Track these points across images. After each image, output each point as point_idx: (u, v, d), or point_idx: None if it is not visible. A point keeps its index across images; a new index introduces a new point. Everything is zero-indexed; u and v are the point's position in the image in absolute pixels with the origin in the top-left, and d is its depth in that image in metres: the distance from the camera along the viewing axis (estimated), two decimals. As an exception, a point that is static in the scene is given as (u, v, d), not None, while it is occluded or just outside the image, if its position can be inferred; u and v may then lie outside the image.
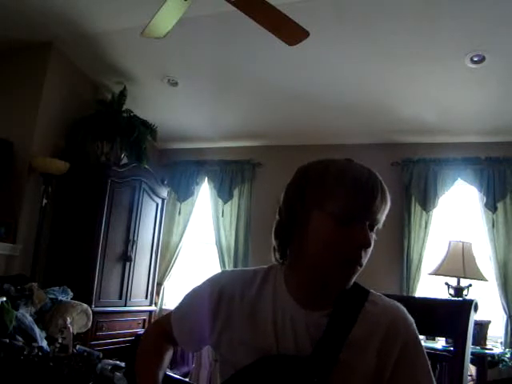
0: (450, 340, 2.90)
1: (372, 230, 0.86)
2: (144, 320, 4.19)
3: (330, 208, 0.83)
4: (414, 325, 0.89)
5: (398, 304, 0.91)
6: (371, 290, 0.93)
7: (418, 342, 0.88)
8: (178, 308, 1.03)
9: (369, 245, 0.83)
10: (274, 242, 0.93)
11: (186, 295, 1.03)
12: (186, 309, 1.02)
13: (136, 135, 3.89)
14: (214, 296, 0.94)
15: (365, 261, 0.86)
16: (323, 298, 0.89)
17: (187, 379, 3.41)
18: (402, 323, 0.88)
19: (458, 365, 1.01)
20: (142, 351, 1.01)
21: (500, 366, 3.22)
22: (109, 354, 3.13)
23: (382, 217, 0.87)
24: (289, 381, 0.83)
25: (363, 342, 0.85)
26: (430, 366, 0.87)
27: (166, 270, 4.74)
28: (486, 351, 3.11)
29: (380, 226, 0.88)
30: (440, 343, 3.20)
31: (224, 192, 4.65)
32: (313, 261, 0.86)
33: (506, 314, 3.55)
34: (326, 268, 0.84)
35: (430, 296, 3.08)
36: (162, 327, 1.05)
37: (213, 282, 0.99)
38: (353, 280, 0.87)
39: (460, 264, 3.28)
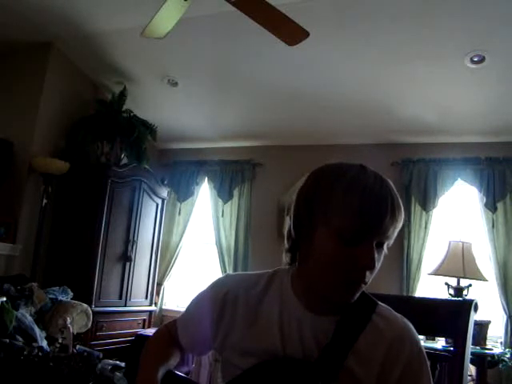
0: (450, 340, 2.90)
1: (381, 246, 0.83)
2: (144, 320, 4.19)
3: (336, 226, 0.80)
4: (420, 343, 0.87)
5: (405, 320, 0.89)
6: (379, 302, 0.92)
7: (422, 360, 0.86)
8: (183, 313, 1.04)
9: (373, 267, 0.80)
10: (285, 244, 0.91)
11: (192, 300, 1.03)
12: (190, 313, 1.02)
13: (136, 135, 3.89)
14: (218, 300, 0.94)
15: (370, 279, 0.83)
16: (331, 306, 0.88)
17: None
18: (406, 341, 0.86)
19: (458, 365, 1.01)
20: (145, 352, 1.01)
21: (500, 365, 3.22)
22: (109, 353, 3.13)
23: (393, 234, 0.83)
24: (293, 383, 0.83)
25: (367, 353, 0.84)
26: None
27: (166, 270, 4.74)
28: (486, 351, 3.11)
29: (391, 242, 0.84)
30: (440, 343, 3.20)
31: (224, 192, 4.65)
32: (315, 277, 0.85)
33: (506, 314, 3.55)
34: (328, 286, 0.83)
35: (430, 296, 3.09)
36: (169, 331, 1.06)
37: (217, 286, 0.99)
38: (356, 296, 0.85)
39: (460, 264, 3.28)
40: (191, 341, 1.02)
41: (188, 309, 1.03)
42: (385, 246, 0.84)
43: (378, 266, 0.83)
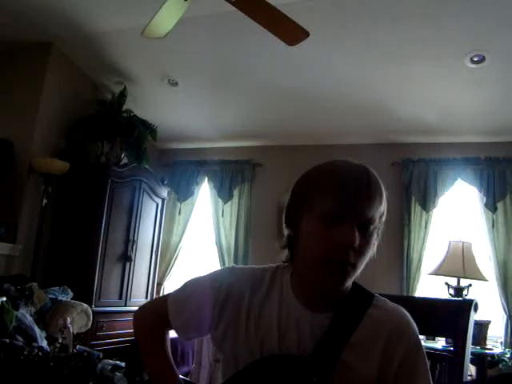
0: (449, 340, 2.90)
1: (366, 229, 0.83)
2: (144, 320, 4.19)
3: (317, 209, 0.83)
4: (417, 332, 0.88)
5: (403, 309, 0.90)
6: (376, 294, 0.92)
7: (420, 349, 0.87)
8: (177, 292, 1.02)
9: (353, 244, 0.80)
10: (283, 241, 0.93)
11: (188, 282, 1.02)
12: (186, 295, 1.00)
13: (136, 135, 3.89)
14: (221, 292, 0.94)
15: (358, 261, 0.83)
16: (327, 300, 0.89)
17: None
18: (405, 330, 0.87)
19: (458, 365, 1.01)
20: (144, 341, 1.06)
21: (500, 365, 3.22)
22: (109, 353, 3.13)
23: (375, 214, 0.83)
24: (288, 380, 0.84)
25: (366, 345, 0.85)
26: (429, 375, 0.86)
27: (166, 270, 4.74)
28: (486, 351, 3.11)
29: (377, 225, 0.85)
30: (440, 343, 3.20)
31: (224, 192, 4.65)
32: (304, 265, 0.87)
33: (506, 314, 3.55)
34: (315, 270, 0.84)
35: (430, 296, 3.09)
36: (156, 310, 1.06)
37: (221, 277, 0.98)
38: (348, 282, 0.85)
39: (460, 264, 3.28)
40: (182, 322, 1.00)
41: (183, 290, 1.01)
42: (373, 232, 0.85)
43: (367, 251, 0.84)
